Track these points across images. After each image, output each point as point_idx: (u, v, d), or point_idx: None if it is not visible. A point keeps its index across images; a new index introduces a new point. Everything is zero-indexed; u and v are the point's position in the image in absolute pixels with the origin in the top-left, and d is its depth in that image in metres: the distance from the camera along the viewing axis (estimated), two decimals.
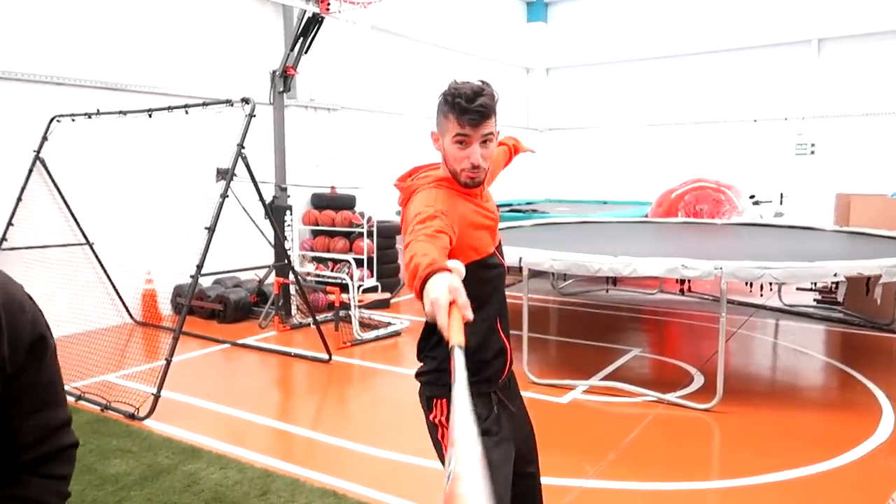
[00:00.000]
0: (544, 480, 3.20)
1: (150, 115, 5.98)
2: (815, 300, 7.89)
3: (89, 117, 6.18)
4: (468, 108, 1.77)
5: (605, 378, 5.10)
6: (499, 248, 2.01)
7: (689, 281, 7.93)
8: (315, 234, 8.68)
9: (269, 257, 6.86)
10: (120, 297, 7.00)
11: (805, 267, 4.52)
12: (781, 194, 11.66)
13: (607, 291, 8.75)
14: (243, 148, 5.32)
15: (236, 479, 3.45)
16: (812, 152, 11.74)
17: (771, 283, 5.19)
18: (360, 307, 6.57)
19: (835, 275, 4.45)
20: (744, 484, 3.45)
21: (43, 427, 1.03)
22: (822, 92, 11.63)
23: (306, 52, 7.03)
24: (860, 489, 3.42)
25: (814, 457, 3.74)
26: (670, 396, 4.65)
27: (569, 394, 4.73)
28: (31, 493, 1.01)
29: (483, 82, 1.84)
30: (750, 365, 5.71)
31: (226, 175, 5.38)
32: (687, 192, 9.54)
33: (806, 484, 3.46)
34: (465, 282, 1.76)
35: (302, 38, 6.89)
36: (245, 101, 5.39)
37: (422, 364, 1.99)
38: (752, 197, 10.40)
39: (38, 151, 6.37)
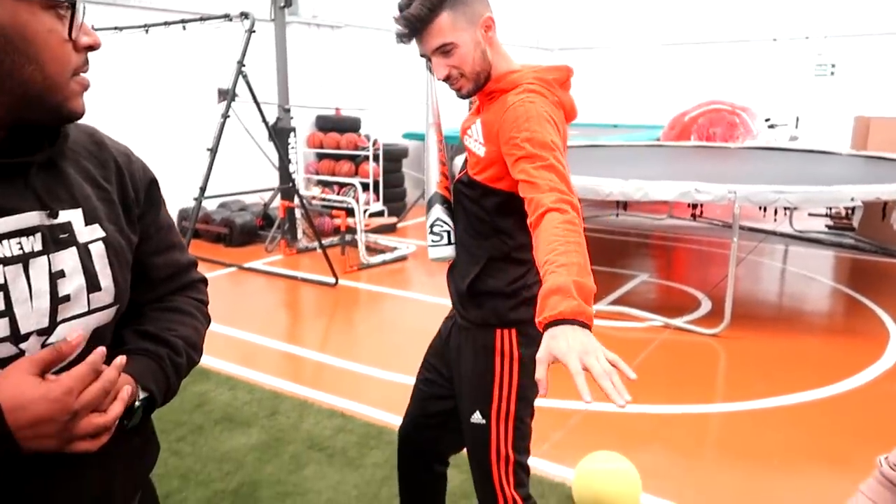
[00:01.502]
0: (550, 403, 3.22)
1: (146, 31, 5.78)
2: (826, 226, 7.79)
3: None
4: (397, 23, 1.58)
5: (613, 303, 5.08)
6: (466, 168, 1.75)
7: (700, 206, 7.81)
8: (320, 157, 8.54)
9: (273, 181, 6.76)
10: None
11: (821, 191, 4.41)
12: (797, 117, 11.34)
13: (617, 216, 8.66)
14: (244, 66, 5.15)
15: (245, 399, 3.49)
16: (832, 73, 11.34)
17: (786, 208, 5.09)
18: (366, 231, 6.52)
19: (851, 199, 4.36)
20: (749, 408, 3.47)
21: (174, 264, 1.10)
22: (846, 8, 11.10)
23: None
24: (865, 413, 3.43)
25: (820, 381, 3.75)
26: (677, 321, 4.64)
27: None
28: (171, 304, 1.08)
29: None
30: (758, 291, 5.68)
31: (227, 95, 5.24)
32: (701, 115, 9.30)
33: (811, 408, 3.48)
34: None
35: None
36: (244, 15, 5.18)
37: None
38: (767, 120, 10.12)
39: None
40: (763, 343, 4.35)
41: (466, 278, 1.73)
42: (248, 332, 4.53)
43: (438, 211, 1.74)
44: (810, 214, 8.07)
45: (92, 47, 0.89)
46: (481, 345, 1.74)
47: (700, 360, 4.13)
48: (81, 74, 0.89)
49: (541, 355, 1.10)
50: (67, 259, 0.89)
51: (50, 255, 0.87)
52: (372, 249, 6.56)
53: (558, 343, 1.10)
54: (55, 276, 0.87)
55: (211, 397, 3.50)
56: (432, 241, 1.74)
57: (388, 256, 6.41)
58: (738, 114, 9.28)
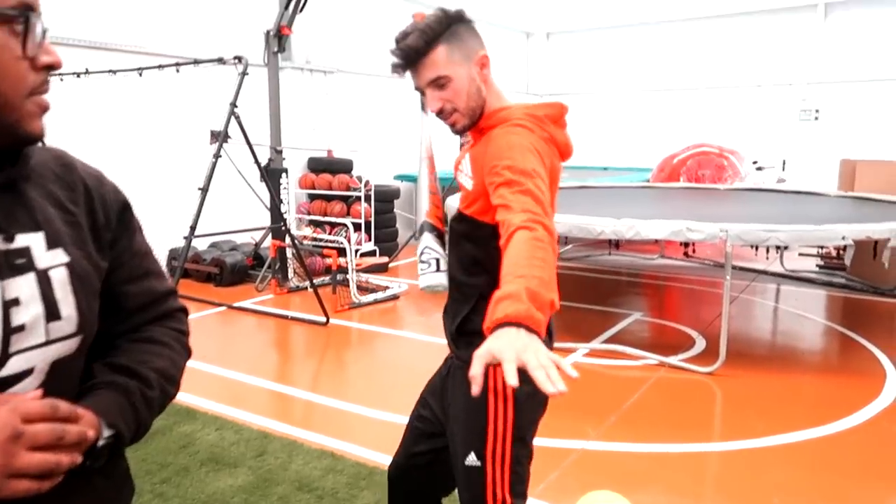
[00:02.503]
0: (546, 442, 3.15)
1: (140, 74, 5.83)
2: (817, 265, 7.82)
3: (78, 77, 6.01)
4: (393, 54, 1.60)
5: (607, 341, 5.04)
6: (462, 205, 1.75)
7: (692, 245, 7.85)
8: (312, 197, 8.56)
9: (265, 221, 6.75)
10: None
11: (812, 230, 4.43)
12: (784, 160, 11.52)
13: (609, 254, 8.67)
14: (236, 107, 5.19)
15: (232, 440, 3.40)
16: (816, 118, 11.57)
17: (777, 247, 5.11)
18: (357, 271, 6.48)
19: (843, 238, 4.37)
20: (746, 446, 3.41)
21: (150, 292, 1.03)
22: (828, 57, 11.40)
23: (301, 11, 6.83)
24: (865, 452, 3.38)
25: (817, 420, 3.70)
26: (672, 359, 4.59)
27: (570, 356, 4.68)
28: (146, 335, 1.01)
29: (421, 16, 1.61)
30: (752, 329, 5.65)
31: (219, 136, 5.26)
32: (689, 158, 9.41)
33: (809, 447, 3.42)
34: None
35: None
36: (238, 59, 5.24)
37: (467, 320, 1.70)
38: (754, 163, 10.26)
39: None
40: (759, 381, 4.30)
41: (457, 317, 1.71)
42: (237, 371, 4.45)
43: (428, 239, 1.73)
44: (801, 254, 8.12)
45: (52, 66, 0.86)
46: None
47: (696, 399, 4.07)
48: (41, 96, 0.85)
49: (479, 352, 1.03)
50: (23, 286, 0.83)
51: (3, 282, 0.82)
52: (363, 289, 6.51)
53: (498, 342, 1.04)
54: (8, 305, 0.82)
55: (197, 438, 3.41)
56: (421, 269, 1.72)
57: (379, 295, 6.36)
58: (726, 156, 9.40)
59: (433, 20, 1.59)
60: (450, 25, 1.59)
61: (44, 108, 0.87)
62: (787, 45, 11.69)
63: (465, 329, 1.70)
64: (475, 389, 1.01)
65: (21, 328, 0.82)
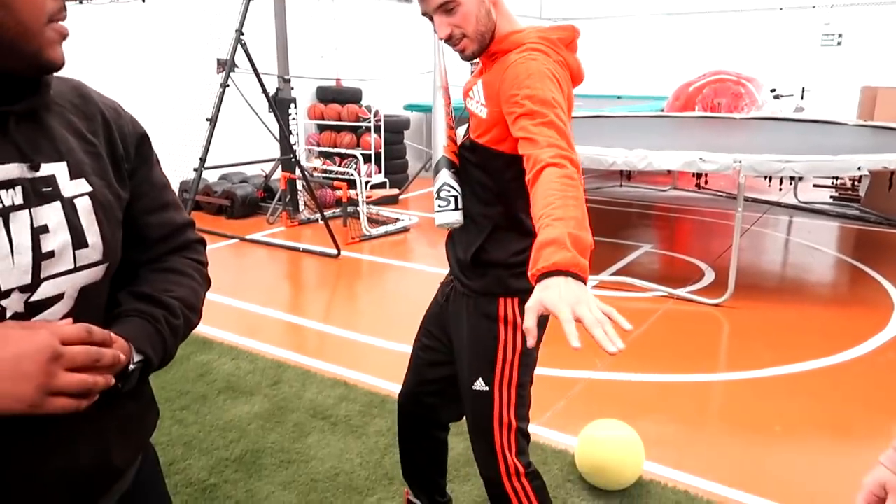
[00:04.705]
0: (553, 372, 3.21)
1: (143, 1, 5.69)
2: (831, 197, 7.74)
3: (80, 3, 5.88)
4: None
5: (616, 273, 5.07)
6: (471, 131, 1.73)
7: (705, 176, 7.75)
8: (321, 128, 8.47)
9: (274, 152, 6.71)
10: None
11: (828, 160, 4.36)
12: (803, 88, 11.21)
13: (621, 186, 8.60)
14: (242, 34, 5.08)
15: (248, 369, 3.49)
16: (839, 43, 11.18)
17: (792, 178, 5.04)
18: (368, 203, 6.48)
19: (858, 168, 4.30)
20: (752, 376, 3.47)
21: (169, 223, 1.05)
22: None
23: None
24: (869, 381, 3.43)
25: (823, 351, 3.74)
26: (681, 291, 4.62)
27: None
28: (168, 265, 1.03)
29: None
30: (762, 261, 5.65)
31: (226, 65, 5.17)
32: (706, 86, 9.17)
33: (814, 376, 3.48)
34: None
35: None
36: None
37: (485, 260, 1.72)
38: (772, 91, 10.00)
39: None
40: (767, 313, 4.34)
41: (470, 248, 1.71)
42: (250, 303, 4.53)
43: (445, 175, 1.71)
44: (815, 186, 8.01)
45: None
46: (484, 313, 1.72)
47: (703, 330, 4.12)
48: (59, 22, 0.85)
49: (531, 304, 1.04)
50: (51, 214, 0.85)
51: (32, 210, 0.83)
52: (374, 221, 6.53)
53: (550, 293, 1.05)
54: (38, 231, 0.83)
55: (214, 367, 3.51)
56: (439, 206, 1.71)
57: (389, 228, 6.38)
58: (743, 84, 9.15)
59: None
60: None
61: (63, 35, 0.86)
62: None
63: (479, 260, 1.71)
64: (530, 342, 1.02)
65: (51, 254, 0.84)
